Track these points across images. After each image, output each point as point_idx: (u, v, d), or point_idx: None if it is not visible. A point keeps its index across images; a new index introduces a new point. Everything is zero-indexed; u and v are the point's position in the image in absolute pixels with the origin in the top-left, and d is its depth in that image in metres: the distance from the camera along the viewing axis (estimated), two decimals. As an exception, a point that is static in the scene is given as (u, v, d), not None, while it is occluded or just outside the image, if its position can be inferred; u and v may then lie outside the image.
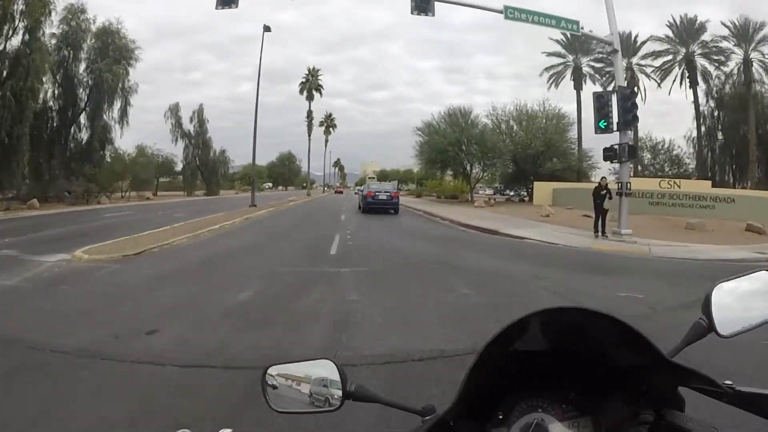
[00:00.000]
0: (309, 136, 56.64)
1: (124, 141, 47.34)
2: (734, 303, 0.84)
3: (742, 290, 0.86)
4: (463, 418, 0.73)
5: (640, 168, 32.64)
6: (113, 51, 26.02)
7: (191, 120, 44.15)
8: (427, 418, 0.74)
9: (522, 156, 29.22)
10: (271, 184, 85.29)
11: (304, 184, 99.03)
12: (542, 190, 26.73)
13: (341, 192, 73.08)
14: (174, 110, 43.56)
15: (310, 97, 56.37)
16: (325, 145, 72.38)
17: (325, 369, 0.81)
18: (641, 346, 0.70)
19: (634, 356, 0.72)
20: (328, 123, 71.51)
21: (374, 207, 19.61)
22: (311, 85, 56.41)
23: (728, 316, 0.82)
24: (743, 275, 0.88)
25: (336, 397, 0.80)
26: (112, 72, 25.27)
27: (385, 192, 20.30)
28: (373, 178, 71.86)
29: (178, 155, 43.59)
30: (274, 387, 0.82)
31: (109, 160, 29.07)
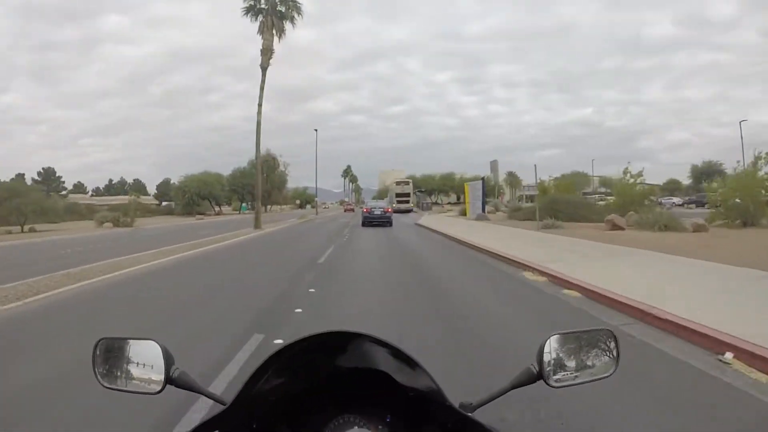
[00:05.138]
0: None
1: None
2: (568, 356, 0.85)
3: (579, 345, 0.87)
4: (279, 423, 0.77)
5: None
6: None
7: None
8: (226, 407, 0.74)
9: None
10: (247, 205, 57.57)
11: (299, 201, 68.99)
12: None
13: (352, 210, 55.75)
14: None
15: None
16: (262, 77, 23.20)
17: (151, 350, 0.80)
18: (432, 389, 0.72)
19: (426, 396, 0.74)
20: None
21: (371, 220, 22.43)
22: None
23: (560, 367, 0.84)
24: (584, 330, 0.89)
25: (157, 380, 0.79)
26: None
27: (380, 208, 23.74)
28: (408, 183, 64.66)
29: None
30: (104, 360, 0.81)
31: None
